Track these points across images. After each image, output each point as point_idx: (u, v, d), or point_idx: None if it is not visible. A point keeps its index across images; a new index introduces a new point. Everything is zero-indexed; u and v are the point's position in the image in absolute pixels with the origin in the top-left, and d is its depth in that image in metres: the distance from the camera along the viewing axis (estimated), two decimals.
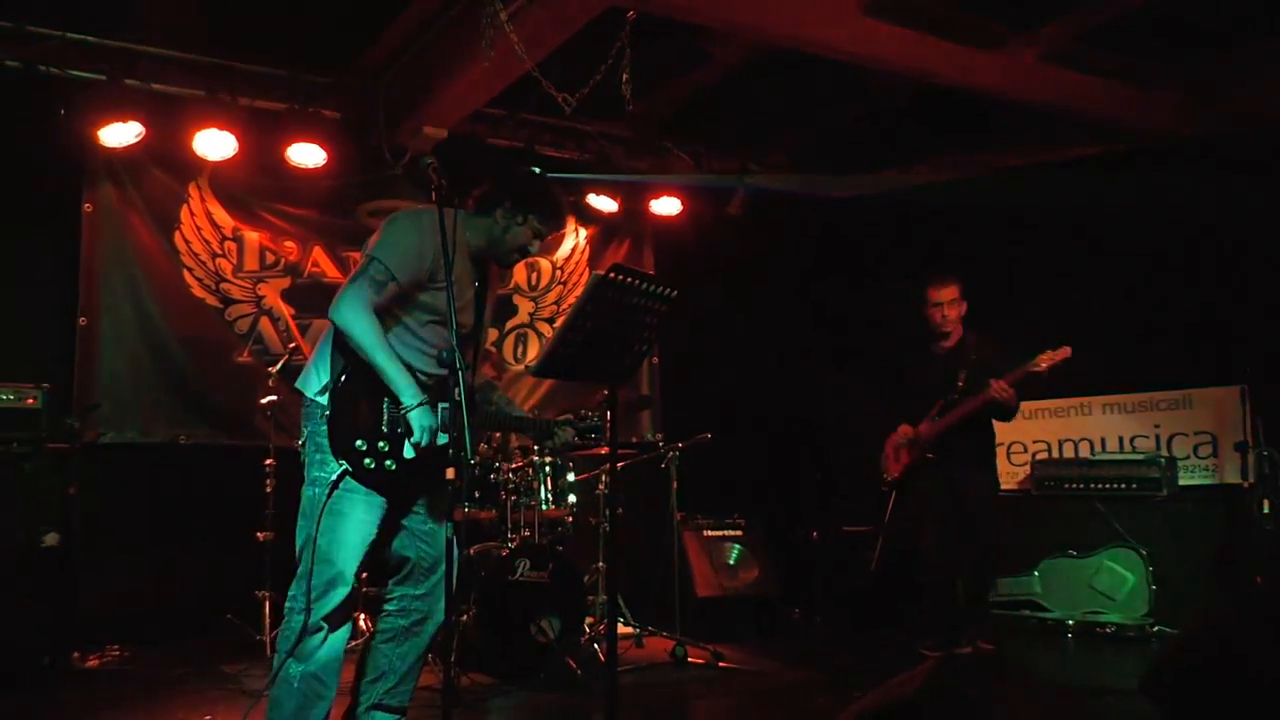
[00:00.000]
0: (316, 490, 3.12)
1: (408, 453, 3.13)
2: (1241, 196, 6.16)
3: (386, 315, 3.17)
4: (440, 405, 3.12)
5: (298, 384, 3.25)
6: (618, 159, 7.09)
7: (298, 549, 3.13)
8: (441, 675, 3.83)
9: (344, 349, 3.13)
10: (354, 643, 3.29)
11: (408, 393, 3.07)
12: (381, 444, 3.10)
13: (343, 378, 3.11)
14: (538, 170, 3.62)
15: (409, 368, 3.12)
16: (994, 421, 5.52)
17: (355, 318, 3.07)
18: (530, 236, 3.34)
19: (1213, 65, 5.89)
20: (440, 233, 2.99)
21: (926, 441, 5.48)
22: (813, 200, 7.96)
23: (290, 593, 3.11)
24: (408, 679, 3.31)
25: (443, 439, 3.10)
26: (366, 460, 3.08)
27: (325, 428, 3.10)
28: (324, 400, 3.12)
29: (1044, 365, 5.11)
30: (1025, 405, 5.67)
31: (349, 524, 3.09)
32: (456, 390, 2.81)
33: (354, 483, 3.09)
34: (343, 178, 6.32)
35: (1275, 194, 5.98)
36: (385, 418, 3.12)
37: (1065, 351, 5.10)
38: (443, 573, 3.25)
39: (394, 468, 3.12)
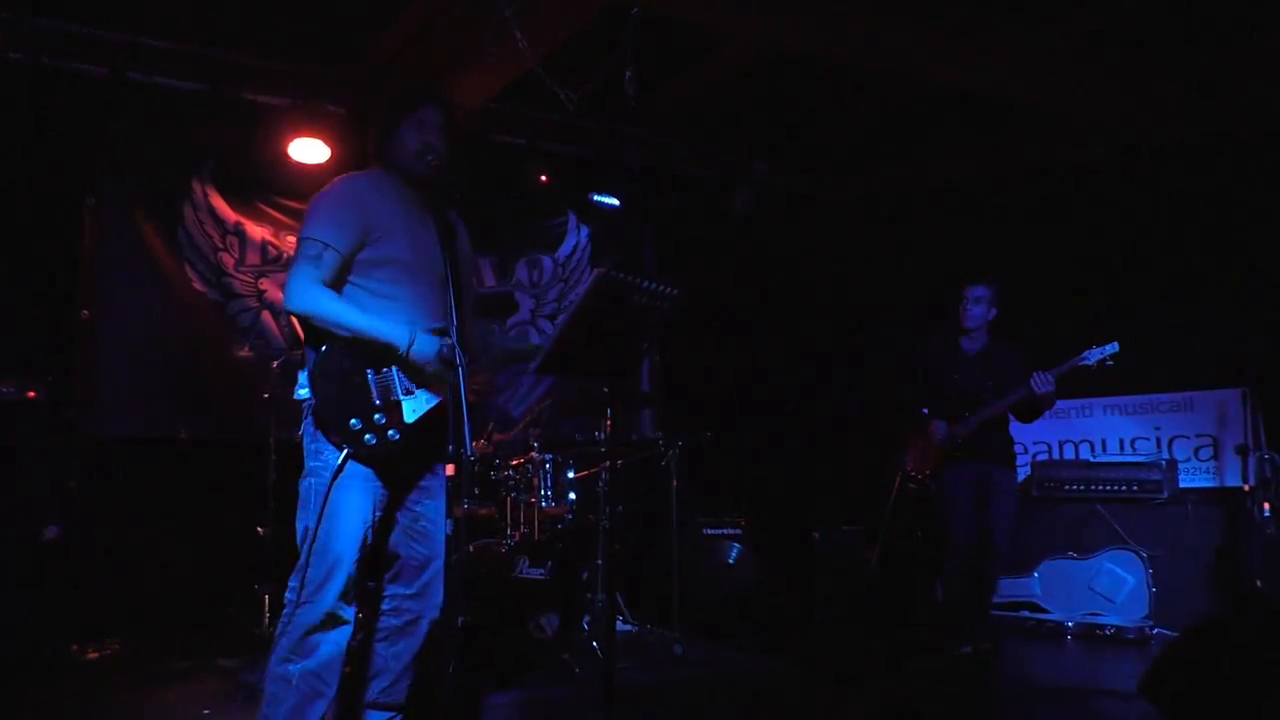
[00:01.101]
0: (314, 480, 3.09)
1: (408, 416, 3.09)
2: (1245, 197, 6.17)
3: (346, 288, 3.13)
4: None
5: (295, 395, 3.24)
6: (621, 156, 7.08)
7: (298, 541, 3.10)
8: (439, 672, 3.83)
9: (316, 338, 3.09)
10: (354, 640, 3.27)
11: (396, 335, 3.05)
12: (377, 416, 3.06)
13: (318, 364, 3.07)
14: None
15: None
16: None
17: (305, 297, 3.04)
18: (416, 136, 3.22)
19: (1218, 64, 5.88)
20: (380, 198, 3.13)
21: (960, 439, 5.46)
22: (817, 197, 7.96)
23: (290, 583, 3.08)
24: (403, 677, 3.29)
25: (435, 398, 3.12)
26: (367, 436, 3.04)
27: (315, 417, 3.08)
28: (307, 394, 3.10)
29: (1093, 361, 5.10)
30: None
31: (348, 511, 3.05)
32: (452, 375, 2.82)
33: (354, 467, 3.05)
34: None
35: (1277, 194, 5.98)
36: (374, 389, 3.08)
37: (1113, 346, 5.08)
38: (435, 571, 3.23)
39: (397, 437, 3.08)
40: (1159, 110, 6.17)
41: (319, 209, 3.17)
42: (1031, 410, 5.40)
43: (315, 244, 3.08)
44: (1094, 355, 5.10)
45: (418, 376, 3.14)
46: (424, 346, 3.07)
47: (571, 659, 4.86)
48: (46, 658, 4.74)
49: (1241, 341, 6.07)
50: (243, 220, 6.32)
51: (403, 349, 3.05)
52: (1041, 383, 5.14)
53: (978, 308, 5.49)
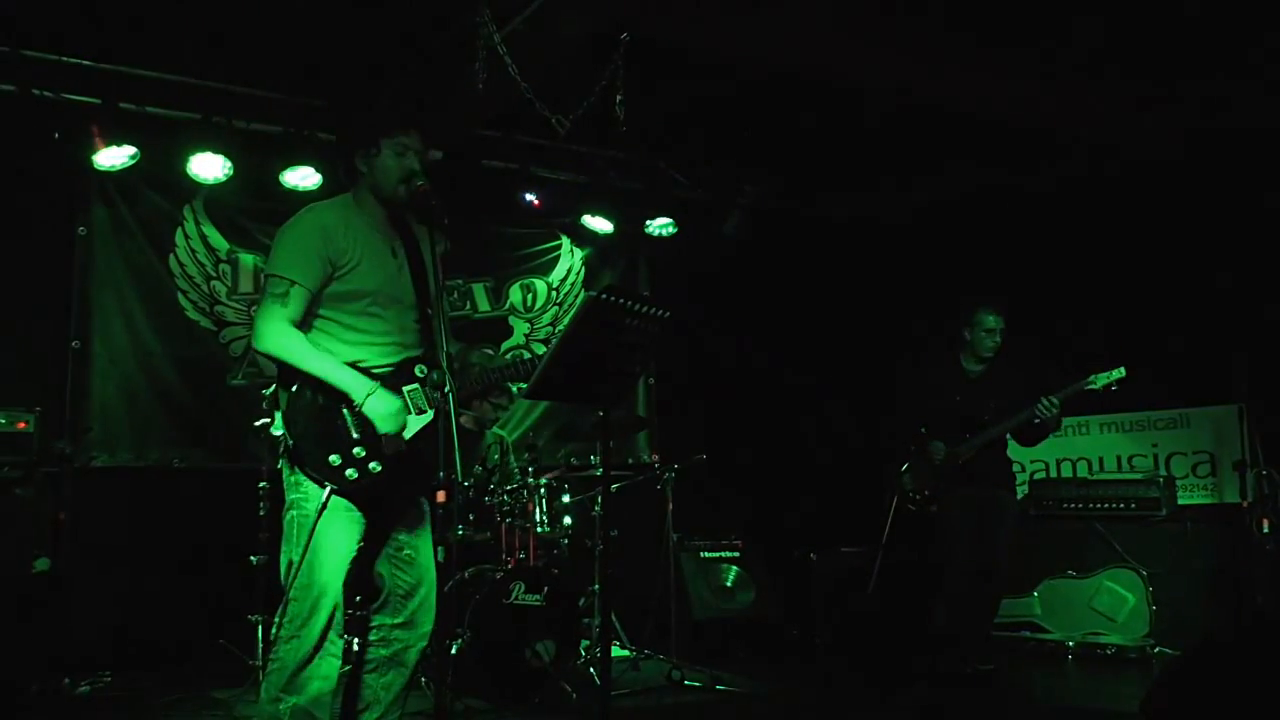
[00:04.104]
0: (295, 513, 3.07)
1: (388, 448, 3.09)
2: (1237, 213, 6.18)
3: (316, 321, 3.12)
4: (406, 388, 3.11)
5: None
6: (613, 181, 7.09)
7: (282, 575, 3.09)
8: (435, 700, 3.79)
9: (288, 376, 3.08)
10: (343, 669, 3.23)
11: (354, 388, 3.03)
12: (356, 450, 3.04)
13: (291, 401, 3.06)
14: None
15: (360, 366, 3.09)
16: None
17: (273, 339, 3.03)
18: (393, 155, 3.18)
19: (1209, 83, 5.90)
20: (347, 228, 3.13)
21: (960, 460, 5.40)
22: (808, 221, 7.97)
23: (275, 619, 3.06)
24: (395, 707, 3.25)
25: (418, 421, 3.11)
26: (349, 472, 3.02)
27: (293, 457, 3.07)
28: (282, 432, 3.08)
29: (1098, 385, 5.06)
30: None
31: (330, 544, 3.03)
32: (441, 400, 2.81)
33: (335, 499, 3.03)
34: None
35: (1272, 209, 5.99)
36: (350, 423, 3.06)
37: (1120, 371, 5.04)
38: (422, 599, 3.20)
39: (379, 469, 3.06)
40: (1153, 126, 6.19)
41: (283, 244, 3.15)
42: (1034, 434, 5.36)
43: (282, 282, 3.06)
44: (1100, 380, 5.07)
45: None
46: (378, 405, 3.04)
47: (568, 686, 4.81)
48: (37, 692, 4.67)
49: (1238, 357, 6.06)
50: (235, 248, 6.31)
51: (358, 402, 3.03)
52: (1047, 407, 5.10)
53: (995, 339, 5.44)
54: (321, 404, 3.05)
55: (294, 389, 3.06)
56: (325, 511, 3.02)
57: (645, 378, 7.53)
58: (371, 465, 3.06)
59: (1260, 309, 6.01)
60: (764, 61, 5.55)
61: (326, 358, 3.06)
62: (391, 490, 3.15)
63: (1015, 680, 5.52)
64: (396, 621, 3.22)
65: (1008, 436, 5.46)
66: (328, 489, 3.01)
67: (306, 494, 3.05)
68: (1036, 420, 5.18)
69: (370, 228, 3.22)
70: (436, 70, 5.56)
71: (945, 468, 5.45)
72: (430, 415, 3.14)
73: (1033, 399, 5.16)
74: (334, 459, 3.02)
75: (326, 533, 3.03)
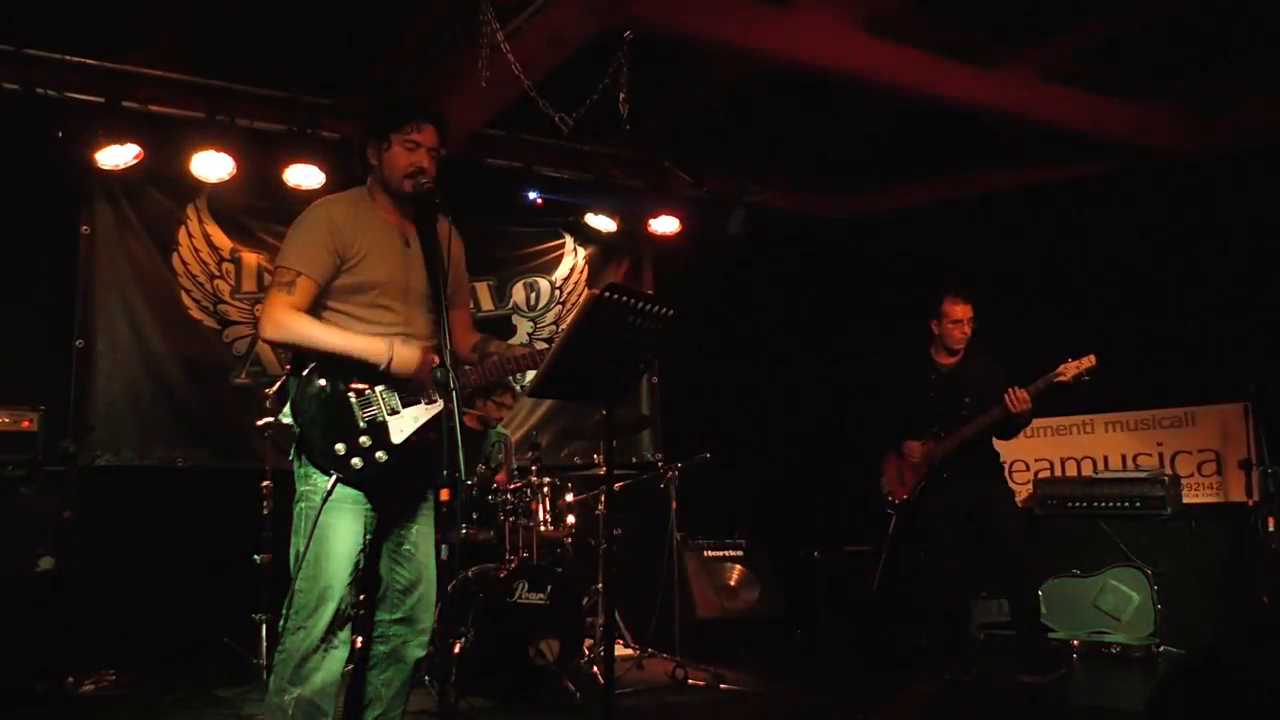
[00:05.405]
0: (303, 505, 3.08)
1: (395, 436, 3.07)
2: (1242, 212, 6.16)
3: (325, 314, 3.13)
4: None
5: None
6: (616, 179, 7.09)
7: (290, 567, 3.09)
8: (439, 698, 3.79)
9: (296, 366, 3.08)
10: (347, 666, 3.23)
11: (371, 348, 3.03)
12: (363, 439, 3.04)
13: (299, 389, 3.06)
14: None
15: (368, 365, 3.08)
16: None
17: (280, 324, 3.04)
18: (403, 150, 3.19)
19: (1213, 82, 5.89)
20: (357, 220, 3.15)
21: (937, 460, 5.30)
22: (812, 220, 7.96)
23: (283, 612, 3.06)
24: (396, 704, 3.24)
25: (428, 412, 3.11)
26: (354, 460, 3.02)
27: (301, 444, 3.07)
28: (290, 420, 3.08)
29: (1069, 375, 4.89)
30: None
31: (337, 536, 3.03)
32: (448, 394, 2.83)
33: (342, 491, 3.03)
34: None
35: (1276, 209, 5.98)
36: (357, 411, 3.06)
37: (1090, 360, 4.87)
38: (420, 596, 3.20)
39: (386, 458, 3.06)
40: (1160, 127, 6.17)
41: (293, 236, 3.18)
42: (1008, 428, 5.22)
43: (288, 272, 3.09)
44: (1070, 370, 4.91)
45: (404, 392, 3.12)
46: (404, 355, 3.05)
47: (572, 684, 4.81)
48: (41, 691, 4.68)
49: (1243, 355, 6.04)
50: (238, 247, 6.31)
51: (383, 364, 3.03)
52: (1017, 401, 4.96)
53: (964, 329, 5.32)
54: (329, 392, 3.05)
55: (303, 376, 3.06)
56: (332, 502, 3.01)
57: (648, 376, 7.52)
58: (378, 455, 3.05)
59: (1266, 306, 5.99)
60: (769, 59, 5.53)
61: (335, 330, 3.07)
62: (398, 481, 3.14)
63: (1018, 680, 5.50)
64: (394, 617, 3.22)
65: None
66: (333, 477, 3.01)
67: (315, 485, 3.05)
68: (1009, 415, 5.02)
69: (381, 220, 3.23)
70: (440, 68, 5.57)
71: (921, 468, 5.35)
72: (440, 405, 3.12)
73: (1010, 389, 4.99)
74: (340, 448, 3.02)
75: (333, 524, 3.03)
